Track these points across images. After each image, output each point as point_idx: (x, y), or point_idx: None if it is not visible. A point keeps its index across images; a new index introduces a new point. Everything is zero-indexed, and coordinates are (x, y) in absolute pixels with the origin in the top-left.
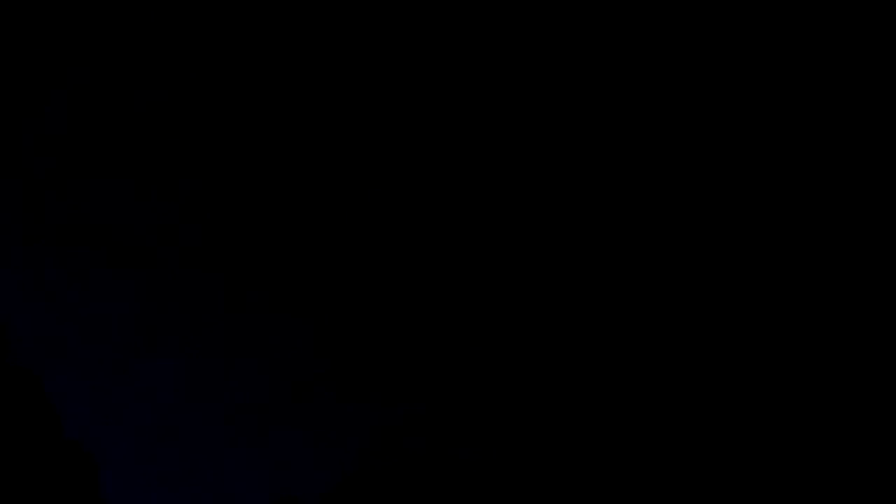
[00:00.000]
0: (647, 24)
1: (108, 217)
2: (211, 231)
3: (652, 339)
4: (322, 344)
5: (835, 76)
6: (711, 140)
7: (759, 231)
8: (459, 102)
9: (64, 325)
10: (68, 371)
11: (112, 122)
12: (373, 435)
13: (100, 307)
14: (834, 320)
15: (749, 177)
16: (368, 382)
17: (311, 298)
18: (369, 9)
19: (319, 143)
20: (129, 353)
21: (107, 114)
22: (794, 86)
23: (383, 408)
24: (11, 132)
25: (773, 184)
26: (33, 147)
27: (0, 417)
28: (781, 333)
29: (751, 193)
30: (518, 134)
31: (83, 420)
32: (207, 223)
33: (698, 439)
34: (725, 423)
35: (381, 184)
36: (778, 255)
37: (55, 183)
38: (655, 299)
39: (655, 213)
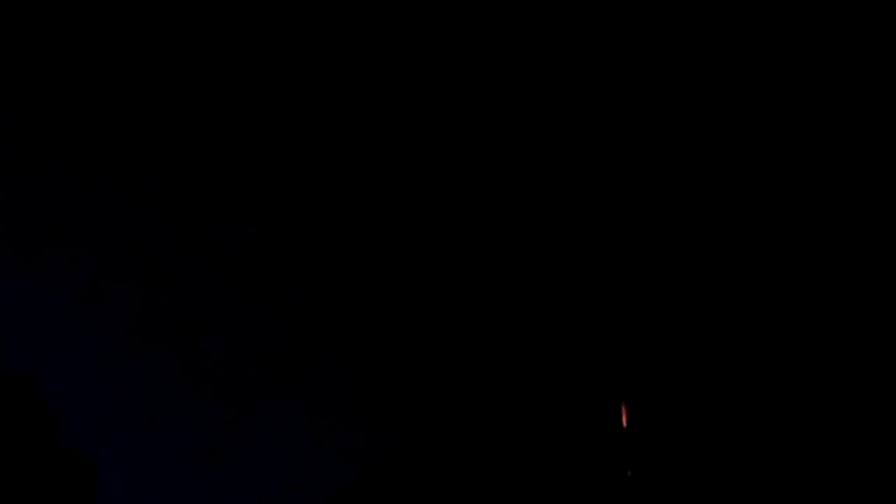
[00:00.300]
0: (646, 23)
1: (101, 216)
2: (210, 229)
3: (651, 339)
4: (323, 343)
5: (835, 76)
6: (711, 140)
7: (759, 230)
8: (457, 101)
9: (58, 326)
10: (63, 374)
11: (109, 120)
12: (375, 439)
13: (94, 307)
14: (834, 320)
15: (749, 176)
16: (370, 384)
17: (312, 298)
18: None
19: (314, 141)
20: (126, 354)
21: (103, 113)
22: (793, 86)
23: (386, 411)
24: (8, 132)
25: (773, 183)
26: (28, 146)
27: None
28: (781, 333)
29: (750, 193)
30: (517, 133)
31: (81, 425)
32: (205, 221)
33: (697, 439)
34: (725, 424)
35: (379, 182)
36: (778, 255)
37: (45, 181)
38: (654, 298)
39: (654, 213)
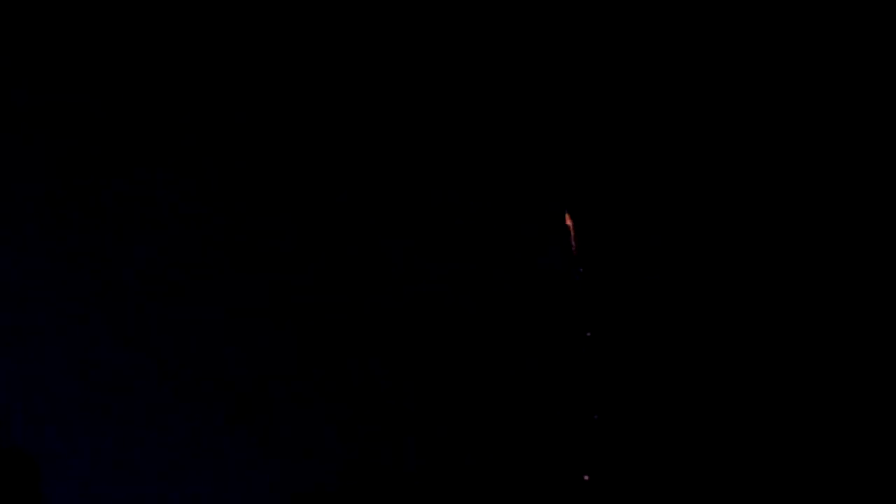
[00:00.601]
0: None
1: (100, 216)
2: (210, 230)
3: (651, 340)
4: (317, 343)
5: (834, 76)
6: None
7: (759, 231)
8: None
9: (58, 326)
10: (62, 374)
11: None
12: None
13: (95, 308)
14: (834, 320)
15: (749, 177)
16: (370, 384)
17: (309, 297)
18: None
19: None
20: (126, 354)
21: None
22: (793, 86)
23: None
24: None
25: (773, 184)
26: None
27: None
28: (781, 333)
29: (750, 193)
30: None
31: (80, 426)
32: (205, 221)
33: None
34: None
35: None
36: (778, 255)
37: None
38: (655, 300)
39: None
